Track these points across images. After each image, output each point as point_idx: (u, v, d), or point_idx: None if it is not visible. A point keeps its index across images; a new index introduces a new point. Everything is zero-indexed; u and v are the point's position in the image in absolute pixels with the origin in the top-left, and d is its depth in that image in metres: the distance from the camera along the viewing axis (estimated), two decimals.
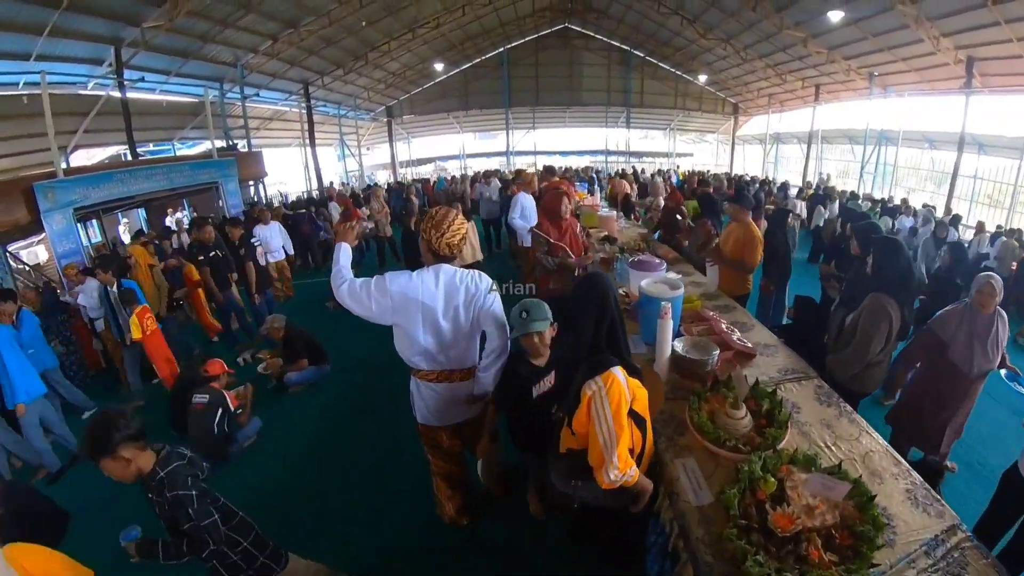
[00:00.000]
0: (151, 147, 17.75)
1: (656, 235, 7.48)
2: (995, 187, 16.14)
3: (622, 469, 1.91)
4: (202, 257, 6.55)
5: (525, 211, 6.69)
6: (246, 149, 16.48)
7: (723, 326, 3.53)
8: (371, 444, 4.62)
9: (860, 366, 3.22)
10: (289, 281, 9.02)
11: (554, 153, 29.32)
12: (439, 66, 21.35)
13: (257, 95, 16.71)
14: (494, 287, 2.77)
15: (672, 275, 3.81)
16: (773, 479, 1.93)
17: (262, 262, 7.13)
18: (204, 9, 12.03)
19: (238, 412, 4.74)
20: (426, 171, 29.17)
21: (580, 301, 2.52)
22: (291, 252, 9.18)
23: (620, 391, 1.96)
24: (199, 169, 13.39)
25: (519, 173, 10.42)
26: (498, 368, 2.80)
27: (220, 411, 4.47)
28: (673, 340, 2.94)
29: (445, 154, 30.35)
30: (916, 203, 13.92)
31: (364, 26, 16.05)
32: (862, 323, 3.21)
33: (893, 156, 18.71)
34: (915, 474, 2.09)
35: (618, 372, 2.01)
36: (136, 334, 5.47)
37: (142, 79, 13.01)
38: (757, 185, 18.37)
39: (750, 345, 3.27)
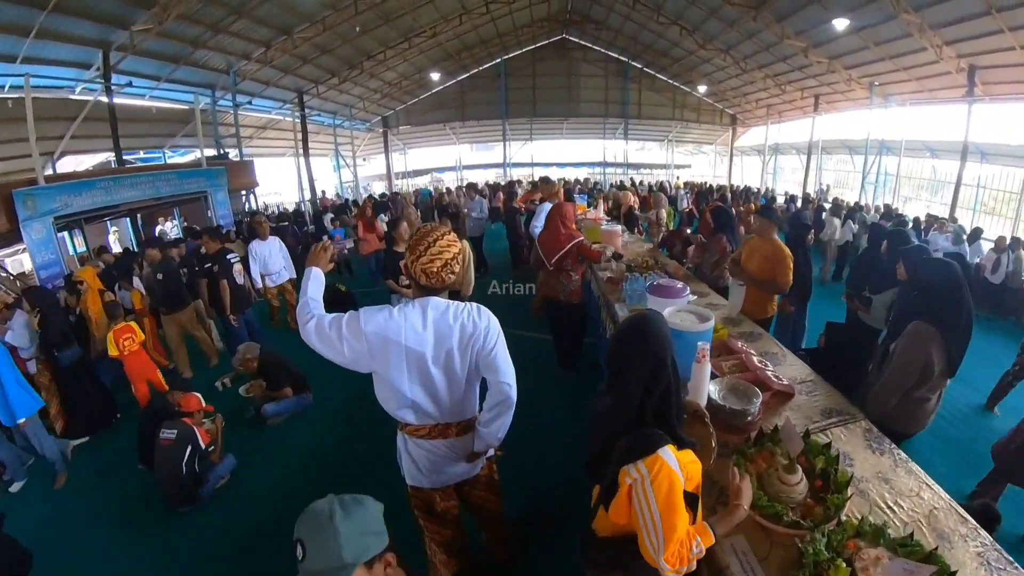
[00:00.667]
0: (141, 154, 17.41)
1: (663, 250, 7.15)
2: (998, 195, 15.99)
3: (674, 567, 1.53)
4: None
5: None
6: (237, 158, 16.12)
7: (755, 359, 3.15)
8: (358, 487, 4.16)
9: (894, 399, 2.84)
10: (293, 308, 7.71)
11: (551, 165, 28.99)
12: (435, 76, 21.12)
13: (250, 103, 16.39)
14: (498, 330, 2.27)
15: (694, 300, 3.49)
16: (844, 565, 1.58)
17: (239, 280, 6.43)
18: (195, 13, 11.72)
19: (210, 449, 4.31)
20: (422, 182, 28.89)
21: (628, 352, 1.80)
22: (294, 275, 7.69)
23: (670, 479, 1.55)
24: (187, 178, 13.05)
25: (543, 181, 10.14)
26: (504, 421, 2.33)
27: (189, 448, 4.05)
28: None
29: (441, 165, 30.07)
30: (912, 212, 13.82)
31: (359, 33, 15.75)
32: (897, 350, 2.88)
33: (893, 165, 18.56)
34: (983, 532, 1.84)
35: (667, 455, 1.58)
36: (112, 351, 5.14)
37: (130, 84, 12.61)
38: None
39: (786, 382, 2.89)
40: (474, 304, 2.26)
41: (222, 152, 16.04)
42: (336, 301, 6.31)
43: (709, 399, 2.51)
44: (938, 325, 2.72)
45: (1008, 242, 9.46)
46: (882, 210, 13.52)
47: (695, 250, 6.15)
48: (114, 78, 12.02)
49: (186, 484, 3.98)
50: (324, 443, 4.90)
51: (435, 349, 2.15)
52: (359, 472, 4.31)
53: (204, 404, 4.51)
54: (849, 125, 20.12)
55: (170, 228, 16.88)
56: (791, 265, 4.51)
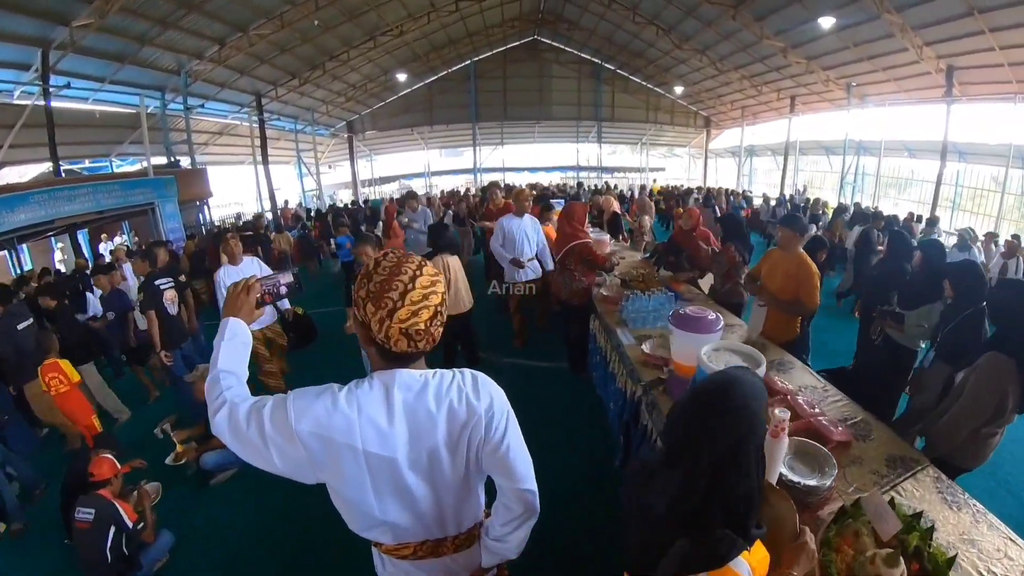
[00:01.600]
0: (87, 163, 16.22)
1: (653, 259, 6.53)
2: (975, 193, 16.09)
3: None
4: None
5: (527, 239, 5.94)
6: (190, 166, 14.98)
7: (802, 402, 2.52)
8: (320, 558, 3.39)
9: (963, 435, 2.60)
10: (280, 357, 5.56)
11: (523, 170, 28.52)
12: (402, 78, 20.12)
13: (202, 106, 15.21)
14: (506, 410, 1.47)
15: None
16: None
17: (172, 310, 5.27)
18: (140, 7, 10.66)
19: (139, 528, 3.39)
20: (390, 189, 27.89)
21: (699, 425, 1.20)
22: (284, 309, 5.31)
23: None
24: (131, 189, 11.94)
25: (491, 187, 9.16)
26: (525, 532, 1.56)
27: (112, 530, 3.16)
28: None
29: (410, 172, 29.08)
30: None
31: (317, 26, 14.58)
32: (972, 384, 2.64)
33: (870, 166, 18.54)
34: None
35: (741, 567, 1.11)
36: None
37: (68, 85, 11.40)
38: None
39: (842, 428, 2.38)
40: (467, 373, 1.45)
41: (173, 160, 14.90)
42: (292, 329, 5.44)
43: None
44: (1016, 356, 2.51)
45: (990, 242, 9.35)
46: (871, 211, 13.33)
47: (700, 261, 5.53)
48: (53, 79, 10.92)
49: (115, 573, 3.14)
50: (279, 502, 3.93)
51: (411, 451, 1.37)
52: (322, 537, 3.50)
53: (120, 466, 3.55)
54: (825, 126, 20.01)
55: (111, 246, 15.68)
56: (818, 284, 3.85)
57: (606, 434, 4.28)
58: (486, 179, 25.55)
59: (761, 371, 2.26)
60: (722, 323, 2.70)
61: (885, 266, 4.98)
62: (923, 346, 4.18)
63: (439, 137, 27.09)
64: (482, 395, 1.41)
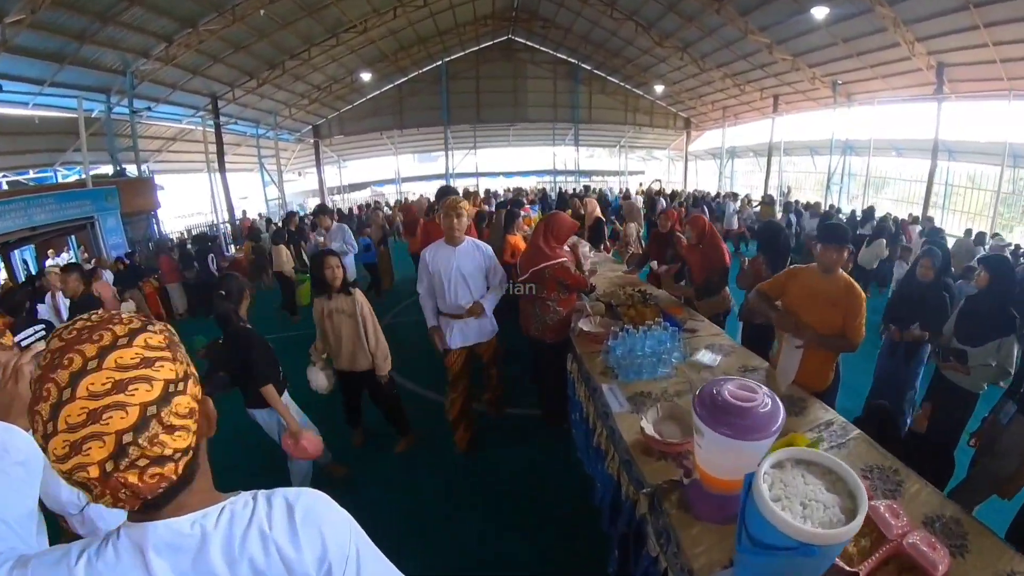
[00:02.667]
0: (32, 174, 14.97)
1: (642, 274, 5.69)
2: (965, 193, 15.85)
3: None
4: None
5: (463, 280, 3.84)
6: (135, 175, 13.76)
7: (883, 511, 1.66)
8: None
9: None
10: None
11: (498, 174, 27.59)
12: (370, 79, 18.95)
13: (149, 109, 13.90)
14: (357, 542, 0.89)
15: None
16: None
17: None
18: (76, 0, 9.53)
19: None
20: (361, 197, 26.73)
21: None
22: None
23: None
24: (68, 201, 10.80)
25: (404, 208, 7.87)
26: None
27: None
28: None
29: (381, 178, 27.96)
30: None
31: (268, 18, 13.31)
32: None
33: (857, 166, 18.21)
34: None
35: None
36: None
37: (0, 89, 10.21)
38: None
39: (940, 547, 1.59)
40: (276, 503, 0.85)
41: (119, 168, 13.66)
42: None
43: None
44: None
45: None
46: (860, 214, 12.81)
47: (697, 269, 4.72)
48: None
49: None
50: None
51: None
52: None
53: None
54: (809, 126, 19.68)
55: (60, 261, 14.46)
56: (865, 312, 2.92)
57: (594, 516, 3.03)
58: (459, 185, 24.62)
59: (861, 514, 1.29)
60: (782, 416, 1.69)
61: (983, 300, 3.63)
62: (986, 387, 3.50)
63: (410, 141, 26.01)
64: (304, 540, 0.83)
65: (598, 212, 8.14)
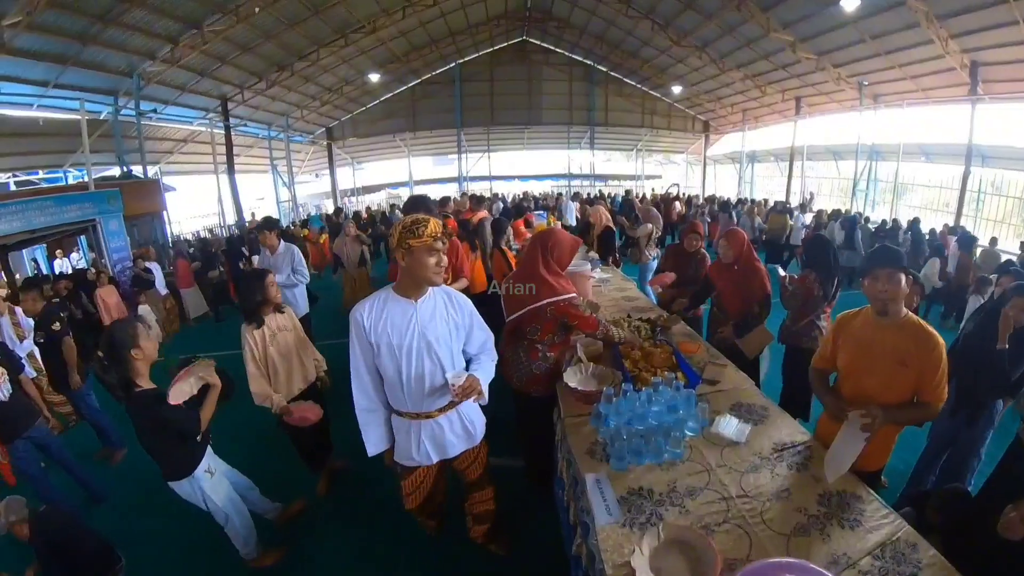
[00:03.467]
0: (42, 174, 15.12)
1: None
2: (1002, 202, 14.96)
3: None
4: None
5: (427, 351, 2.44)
6: (143, 176, 13.56)
7: None
8: None
9: None
10: None
11: (512, 178, 27.18)
12: (381, 81, 18.67)
13: (155, 111, 13.69)
14: None
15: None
16: None
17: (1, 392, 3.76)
18: (75, 1, 9.32)
19: None
20: (376, 199, 26.47)
21: None
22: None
23: None
24: (68, 204, 10.47)
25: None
26: None
27: None
28: None
29: (395, 181, 27.67)
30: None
31: (283, 25, 13.30)
32: None
33: (882, 171, 17.53)
34: None
35: None
36: None
37: None
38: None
39: None
40: None
41: (126, 170, 13.50)
42: None
43: None
44: None
45: None
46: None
47: (731, 297, 4.04)
48: None
49: None
50: None
51: None
52: None
53: None
54: (832, 129, 19.14)
55: (68, 264, 14.43)
56: (946, 363, 2.18)
57: None
58: (473, 189, 24.23)
59: None
60: None
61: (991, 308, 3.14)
62: None
63: (423, 144, 25.64)
64: None
65: (608, 220, 7.58)
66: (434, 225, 2.20)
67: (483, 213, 7.99)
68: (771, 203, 16.91)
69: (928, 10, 10.77)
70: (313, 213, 22.22)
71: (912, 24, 11.30)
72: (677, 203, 15.98)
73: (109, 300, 7.92)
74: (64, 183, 14.19)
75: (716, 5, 14.03)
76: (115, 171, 14.03)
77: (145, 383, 2.66)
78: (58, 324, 4.64)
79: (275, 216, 19.34)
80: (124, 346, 2.58)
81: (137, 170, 13.81)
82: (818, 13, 12.45)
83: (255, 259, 8.99)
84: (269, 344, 3.31)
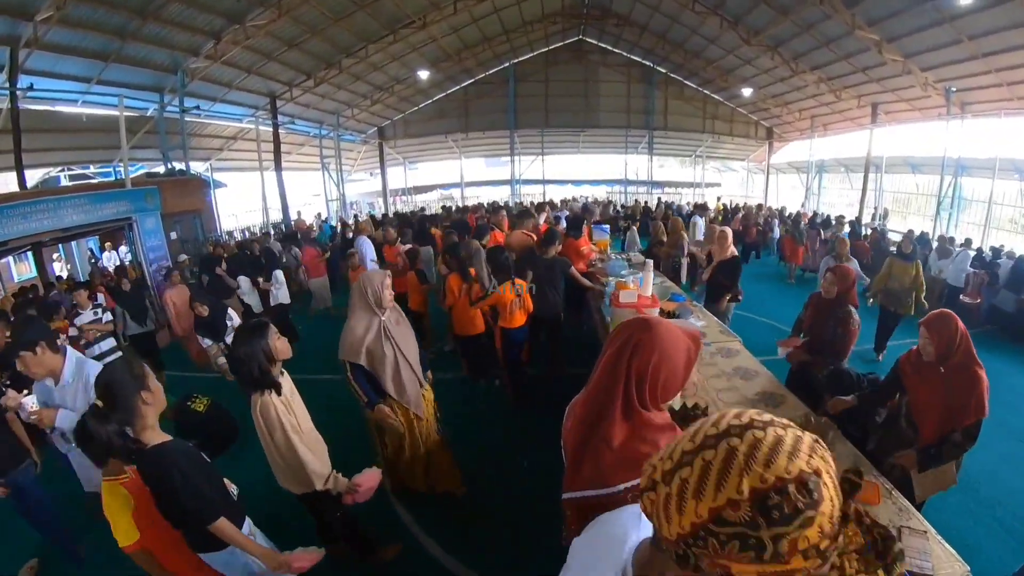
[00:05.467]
0: (93, 169, 15.44)
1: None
2: None
3: None
4: None
5: None
6: (186, 174, 13.43)
7: None
8: None
9: None
10: None
11: (566, 182, 26.42)
12: (433, 79, 18.20)
13: (198, 108, 13.59)
14: None
15: None
16: None
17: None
18: None
19: None
20: (428, 200, 26.14)
21: None
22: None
23: None
24: (103, 203, 10.21)
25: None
26: None
27: None
28: None
29: (447, 181, 27.38)
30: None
31: (329, 20, 12.95)
32: None
33: (968, 187, 16.08)
34: None
35: None
36: None
37: (31, 87, 9.91)
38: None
39: None
40: None
41: (169, 167, 13.39)
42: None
43: None
44: None
45: None
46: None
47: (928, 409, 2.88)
48: (22, 80, 9.57)
49: None
50: None
51: None
52: None
53: None
54: (907, 140, 17.69)
55: (115, 258, 14.55)
56: None
57: None
58: (524, 192, 23.57)
59: None
60: None
61: None
62: None
63: (475, 145, 25.13)
64: None
65: (731, 245, 5.83)
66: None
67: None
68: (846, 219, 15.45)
69: None
70: (366, 212, 22.04)
71: (1019, 23, 10.07)
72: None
73: (180, 303, 7.15)
74: (114, 178, 14.25)
75: (794, 0, 12.91)
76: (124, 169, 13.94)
77: (156, 435, 2.15)
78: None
79: (323, 214, 19.33)
80: (130, 389, 2.06)
81: (180, 167, 13.69)
82: (911, 9, 11.25)
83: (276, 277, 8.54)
84: (292, 409, 2.71)
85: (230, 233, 16.35)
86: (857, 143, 19.25)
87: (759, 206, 18.98)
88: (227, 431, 4.64)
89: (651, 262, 5.24)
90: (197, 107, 13.40)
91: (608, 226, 9.55)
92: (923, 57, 12.91)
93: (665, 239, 7.96)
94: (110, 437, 1.97)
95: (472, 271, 5.28)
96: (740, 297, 5.69)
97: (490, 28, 18.03)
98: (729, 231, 5.89)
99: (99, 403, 2.03)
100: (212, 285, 8.52)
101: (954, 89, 13.57)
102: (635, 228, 13.09)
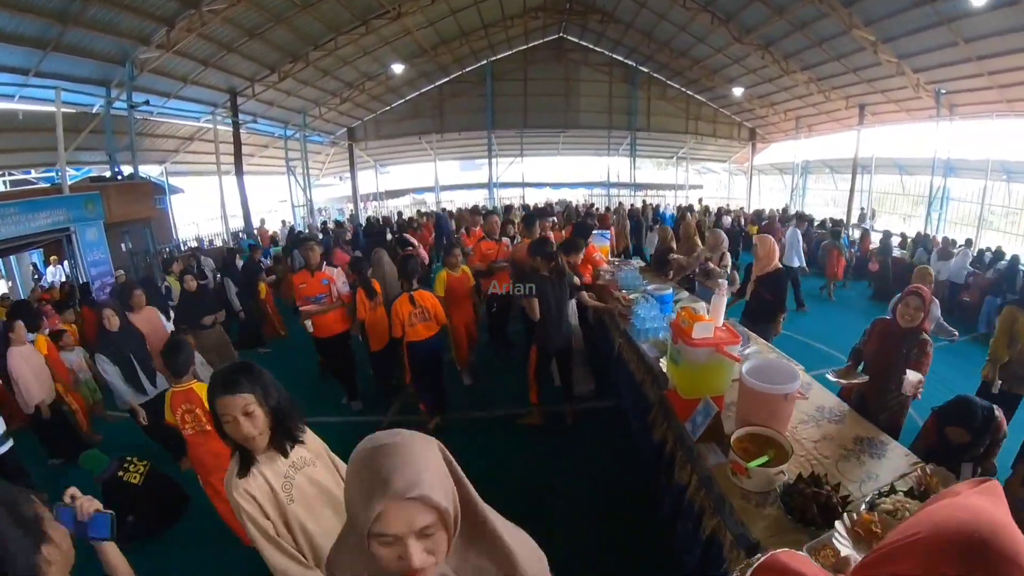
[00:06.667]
0: (35, 174, 13.92)
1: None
2: None
3: None
4: None
5: None
6: (132, 176, 12.26)
7: None
8: None
9: None
10: None
11: (544, 185, 25.65)
12: (403, 73, 17.01)
13: (148, 103, 12.20)
14: None
15: None
16: None
17: None
18: None
19: None
20: (399, 204, 25.09)
21: None
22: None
23: None
24: (36, 211, 9.04)
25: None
26: None
27: None
28: None
29: (421, 185, 26.26)
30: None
31: (294, 7, 11.91)
32: None
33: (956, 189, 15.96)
34: None
35: None
36: None
37: None
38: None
39: None
40: None
41: (117, 170, 12.18)
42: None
43: None
44: None
45: None
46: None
47: None
48: None
49: None
50: None
51: None
52: None
53: None
54: (892, 141, 17.74)
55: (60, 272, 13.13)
56: None
57: None
58: (501, 196, 22.72)
59: None
60: None
61: None
62: None
63: (450, 147, 24.20)
64: None
65: (776, 256, 4.91)
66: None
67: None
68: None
69: None
70: (335, 217, 20.92)
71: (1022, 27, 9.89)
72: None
73: (150, 331, 5.15)
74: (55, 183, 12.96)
75: None
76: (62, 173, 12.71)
77: None
78: None
79: (289, 221, 18.22)
80: (22, 548, 1.15)
81: (127, 170, 12.49)
82: (911, 10, 10.95)
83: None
84: (286, 501, 1.83)
85: (185, 243, 15.11)
86: (840, 144, 19.23)
87: (784, 210, 18.23)
88: (170, 501, 3.90)
89: (722, 281, 4.46)
90: (147, 102, 12.10)
91: (609, 231, 8.88)
92: (917, 59, 12.69)
93: (675, 245, 7.16)
94: None
95: (376, 285, 5.29)
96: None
97: (468, 22, 17.11)
98: (772, 240, 4.98)
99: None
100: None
101: (944, 91, 13.43)
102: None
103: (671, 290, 5.07)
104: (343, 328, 5.47)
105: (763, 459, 2.15)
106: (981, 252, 11.04)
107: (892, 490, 1.99)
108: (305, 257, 5.44)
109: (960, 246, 10.61)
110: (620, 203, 17.10)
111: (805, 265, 9.74)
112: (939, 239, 12.56)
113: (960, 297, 9.32)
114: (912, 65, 12.96)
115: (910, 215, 18.75)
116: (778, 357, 3.62)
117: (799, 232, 9.75)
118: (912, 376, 2.97)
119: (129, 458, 3.88)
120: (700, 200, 21.62)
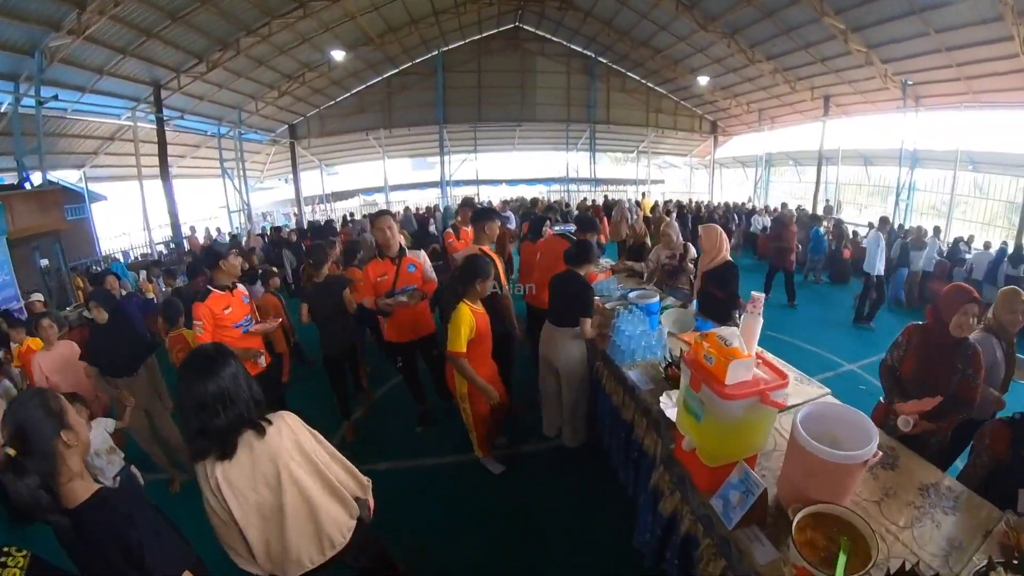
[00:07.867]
0: None
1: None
2: None
3: None
4: None
5: None
6: (40, 181, 10.67)
7: None
8: None
9: None
10: None
11: (500, 182, 24.80)
12: (347, 62, 15.67)
13: (56, 97, 10.66)
14: None
15: None
16: None
17: None
18: None
19: None
20: (349, 207, 23.67)
21: None
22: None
23: None
24: None
25: None
26: None
27: None
28: None
29: (370, 186, 24.92)
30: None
31: None
32: None
33: (919, 179, 15.89)
34: None
35: None
36: None
37: None
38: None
39: None
40: None
41: (24, 176, 10.59)
42: None
43: None
44: None
45: None
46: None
47: None
48: None
49: None
50: None
51: None
52: None
53: None
54: (856, 133, 17.76)
55: None
56: None
57: None
58: (457, 194, 21.58)
59: None
60: None
61: None
62: None
63: (400, 144, 22.89)
64: None
65: (725, 248, 4.39)
66: None
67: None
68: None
69: (1015, 3, 9.12)
70: (282, 223, 19.39)
71: (994, 18, 9.68)
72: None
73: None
74: None
75: None
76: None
77: (85, 486, 1.60)
78: None
79: (225, 228, 16.66)
80: (48, 430, 1.52)
81: (36, 176, 10.85)
82: None
83: None
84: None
85: (108, 256, 13.46)
86: (803, 136, 19.07)
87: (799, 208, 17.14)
88: None
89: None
90: (55, 96, 10.54)
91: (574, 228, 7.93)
92: (886, 48, 12.41)
93: (648, 242, 6.49)
94: (32, 494, 1.49)
95: None
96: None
97: (417, 8, 15.84)
98: (718, 230, 4.41)
99: (11, 451, 1.52)
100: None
101: (910, 82, 13.18)
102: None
103: (657, 297, 4.24)
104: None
105: (842, 560, 1.54)
106: (956, 241, 11.68)
107: (991, 565, 1.59)
108: (381, 242, 4.23)
109: (930, 236, 10.72)
110: (584, 199, 16.34)
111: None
112: (912, 228, 12.31)
113: (930, 285, 9.68)
114: (881, 55, 12.66)
115: (865, 205, 18.94)
116: (829, 400, 2.77)
117: (881, 236, 8.65)
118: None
119: (6, 548, 2.82)
120: (663, 195, 21.11)
